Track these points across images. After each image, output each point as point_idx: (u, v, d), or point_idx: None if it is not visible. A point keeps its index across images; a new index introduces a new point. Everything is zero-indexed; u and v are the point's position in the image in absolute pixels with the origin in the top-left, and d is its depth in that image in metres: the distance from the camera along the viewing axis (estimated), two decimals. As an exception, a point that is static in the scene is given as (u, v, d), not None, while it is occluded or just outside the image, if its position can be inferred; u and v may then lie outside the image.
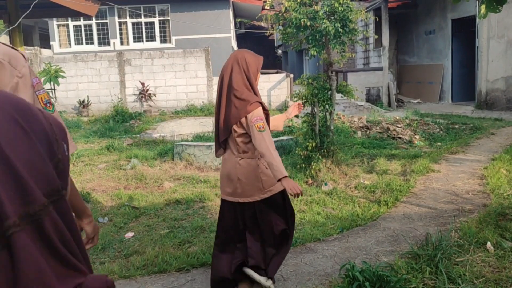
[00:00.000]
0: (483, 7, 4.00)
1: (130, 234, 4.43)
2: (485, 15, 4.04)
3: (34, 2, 4.81)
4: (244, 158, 2.92)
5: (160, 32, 17.40)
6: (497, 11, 3.97)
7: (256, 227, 3.01)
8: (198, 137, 9.12)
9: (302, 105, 3.45)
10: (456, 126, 9.94)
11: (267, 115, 2.94)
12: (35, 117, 0.72)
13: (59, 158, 0.73)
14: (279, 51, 32.41)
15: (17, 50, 1.49)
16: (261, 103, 2.87)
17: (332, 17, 6.01)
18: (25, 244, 0.64)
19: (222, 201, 3.06)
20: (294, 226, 3.18)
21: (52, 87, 13.95)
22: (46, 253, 0.67)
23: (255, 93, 2.91)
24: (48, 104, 1.50)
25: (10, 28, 5.31)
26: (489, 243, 3.67)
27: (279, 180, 2.71)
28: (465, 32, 14.17)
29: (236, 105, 2.84)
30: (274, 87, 15.05)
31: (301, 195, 2.75)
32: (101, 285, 0.75)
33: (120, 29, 17.49)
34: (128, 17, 17.34)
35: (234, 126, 2.87)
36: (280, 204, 3.02)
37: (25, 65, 1.47)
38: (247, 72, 2.89)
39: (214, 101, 14.71)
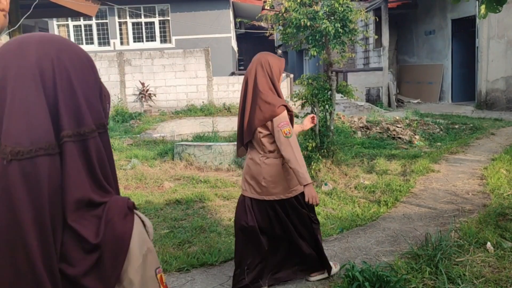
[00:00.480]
0: (483, 7, 4.01)
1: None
2: (485, 15, 4.04)
3: (35, 3, 4.81)
4: (270, 158, 2.99)
5: (160, 32, 17.41)
6: (497, 11, 3.97)
7: (279, 225, 3.08)
8: (198, 137, 9.12)
9: (316, 119, 3.49)
10: (456, 126, 9.95)
11: (292, 116, 3.01)
12: (96, 70, 0.93)
13: (106, 105, 0.94)
14: (279, 51, 32.41)
15: None
16: (286, 106, 2.93)
17: (332, 17, 6.01)
18: (73, 153, 0.81)
19: (244, 198, 3.12)
20: (318, 222, 3.29)
21: (52, 87, 13.95)
22: (85, 168, 0.83)
23: (279, 95, 2.98)
24: None
25: (11, 29, 5.31)
26: (489, 243, 3.67)
27: (303, 185, 2.85)
28: (465, 32, 14.17)
29: (261, 108, 2.90)
30: (274, 87, 15.04)
31: (316, 206, 2.95)
32: (123, 204, 0.87)
33: (120, 29, 17.50)
34: (128, 17, 17.34)
35: (259, 128, 2.93)
36: (303, 203, 3.07)
37: None
38: (270, 74, 2.96)
39: (214, 101, 14.76)
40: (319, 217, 4.70)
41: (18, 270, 0.77)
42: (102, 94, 0.92)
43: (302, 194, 2.99)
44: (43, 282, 0.77)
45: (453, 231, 4.00)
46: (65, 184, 0.80)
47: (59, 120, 0.82)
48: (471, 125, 9.92)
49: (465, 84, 14.34)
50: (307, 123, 3.39)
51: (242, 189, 3.15)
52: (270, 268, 3.15)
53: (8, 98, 0.79)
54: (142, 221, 0.91)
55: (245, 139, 3.03)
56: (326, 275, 3.31)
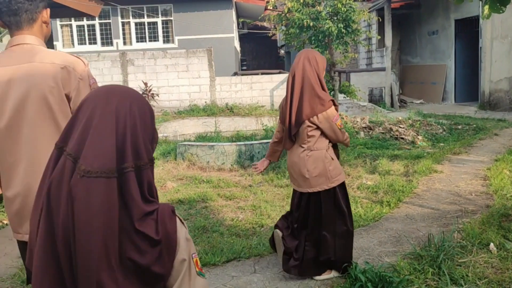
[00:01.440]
0: (486, 7, 3.99)
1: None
2: (489, 16, 4.03)
3: (38, 3, 4.83)
4: (313, 150, 3.12)
5: (163, 32, 17.43)
6: (501, 11, 3.96)
7: (320, 215, 3.19)
8: (201, 137, 9.13)
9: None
10: (459, 127, 9.92)
11: (337, 109, 3.18)
12: (153, 118, 1.18)
13: (154, 145, 1.18)
14: (282, 51, 32.42)
15: (78, 57, 1.94)
16: (333, 101, 3.10)
17: (335, 18, 6.03)
18: (132, 179, 1.06)
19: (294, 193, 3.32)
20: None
21: (55, 87, 13.99)
22: (139, 190, 1.08)
23: (324, 90, 3.12)
24: None
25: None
26: (492, 244, 3.66)
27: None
28: (468, 33, 14.13)
29: (310, 102, 3.04)
30: (276, 87, 15.04)
31: None
32: (168, 209, 1.15)
33: (123, 29, 17.53)
34: (131, 17, 17.37)
35: (310, 120, 3.06)
36: (343, 193, 3.24)
37: (84, 69, 1.92)
38: (317, 70, 3.10)
39: (217, 101, 14.77)
40: (321, 218, 4.71)
41: (89, 259, 1.02)
42: (154, 138, 1.18)
43: (342, 184, 3.21)
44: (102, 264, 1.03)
45: (456, 232, 3.99)
46: (129, 202, 1.07)
47: (124, 154, 1.07)
48: (474, 125, 9.90)
49: (469, 85, 14.30)
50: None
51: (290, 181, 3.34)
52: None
53: (91, 130, 1.05)
54: (180, 219, 1.19)
55: (292, 131, 3.13)
56: (332, 275, 3.33)
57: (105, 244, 1.02)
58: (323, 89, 3.10)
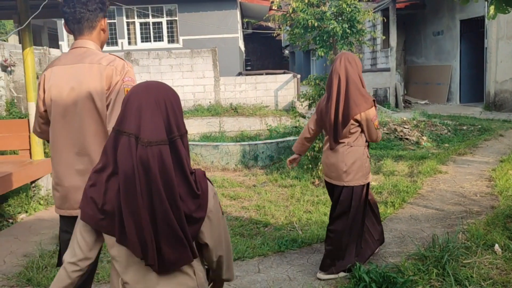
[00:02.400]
0: (492, 8, 3.98)
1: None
2: (494, 16, 4.02)
3: (44, 3, 4.84)
4: (354, 147, 3.30)
5: (168, 32, 17.47)
6: (506, 12, 3.95)
7: (348, 209, 3.33)
8: (205, 137, 9.15)
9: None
10: (464, 127, 9.89)
11: (376, 108, 3.36)
12: (178, 97, 1.55)
13: (182, 122, 1.53)
14: (286, 52, 32.40)
15: (122, 59, 2.25)
16: (374, 101, 3.31)
17: (340, 18, 6.01)
18: (179, 144, 1.46)
19: (327, 183, 3.47)
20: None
21: (61, 87, 14.04)
22: (186, 152, 1.49)
23: (364, 89, 3.32)
24: None
25: (20, 28, 5.36)
26: (497, 245, 3.65)
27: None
28: (473, 33, 14.07)
29: (356, 101, 3.21)
30: (281, 87, 15.05)
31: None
32: (202, 172, 1.55)
33: (128, 29, 17.58)
34: (136, 17, 17.42)
35: (355, 118, 3.23)
36: (367, 192, 3.41)
37: (125, 69, 2.21)
38: (358, 71, 3.30)
39: (221, 101, 14.78)
40: (325, 218, 4.71)
41: (154, 208, 1.41)
42: (183, 115, 1.55)
43: (368, 184, 3.38)
44: (169, 214, 1.41)
45: (461, 232, 3.98)
46: (183, 161, 1.46)
47: (170, 128, 1.45)
48: (479, 126, 9.86)
49: (474, 85, 14.23)
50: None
51: (324, 175, 3.51)
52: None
53: (143, 115, 1.43)
54: (209, 180, 1.57)
55: (339, 130, 3.26)
56: (336, 275, 3.35)
57: (168, 189, 1.42)
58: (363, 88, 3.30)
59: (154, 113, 1.44)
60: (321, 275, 3.36)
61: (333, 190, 3.44)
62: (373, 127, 3.29)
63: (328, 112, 3.32)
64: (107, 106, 2.17)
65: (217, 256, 1.59)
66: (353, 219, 3.33)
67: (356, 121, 3.25)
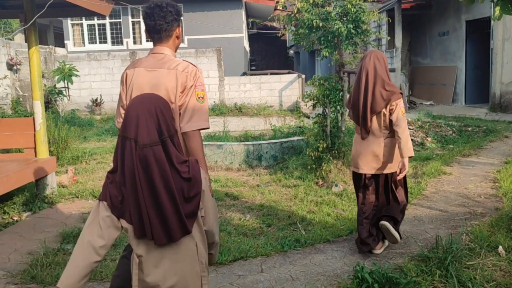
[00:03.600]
0: (497, 8, 3.96)
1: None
2: (500, 17, 4.00)
3: (49, 2, 4.87)
4: (388, 138, 3.63)
5: (173, 31, 17.49)
6: (512, 13, 3.93)
7: (387, 193, 3.74)
8: (209, 137, 9.16)
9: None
10: (469, 129, 9.84)
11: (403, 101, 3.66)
12: (167, 103, 1.87)
13: (173, 124, 1.84)
14: (291, 52, 32.37)
15: (195, 66, 2.64)
16: (401, 93, 3.60)
17: (345, 18, 6.00)
18: (169, 143, 1.77)
19: (361, 176, 3.74)
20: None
21: (66, 86, 14.10)
22: (176, 149, 1.79)
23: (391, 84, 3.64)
24: (199, 98, 2.60)
25: (25, 26, 5.39)
26: (500, 247, 3.64)
27: (404, 157, 3.54)
28: (479, 34, 14.00)
29: (382, 94, 3.55)
30: (285, 87, 15.04)
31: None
32: (194, 160, 1.87)
33: (133, 29, 17.63)
34: (141, 17, 17.45)
35: (384, 110, 3.55)
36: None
37: (197, 75, 2.61)
38: (386, 68, 3.64)
39: (225, 101, 14.80)
40: (328, 218, 4.72)
41: (155, 195, 1.74)
42: (173, 118, 1.86)
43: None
44: (165, 199, 1.74)
45: (464, 234, 3.97)
46: (172, 156, 1.77)
47: (161, 131, 1.76)
48: (485, 127, 9.81)
49: (479, 86, 14.16)
50: None
51: (354, 167, 3.80)
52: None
53: (140, 123, 1.74)
54: (200, 167, 1.89)
55: (369, 120, 3.60)
56: (387, 244, 3.83)
57: (162, 179, 1.73)
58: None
59: (148, 120, 1.74)
60: (375, 250, 3.75)
61: (361, 179, 3.74)
62: (399, 114, 3.56)
63: (358, 105, 3.65)
64: (180, 106, 2.56)
65: (207, 228, 1.94)
66: (400, 199, 3.76)
67: (387, 113, 3.56)
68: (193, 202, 1.81)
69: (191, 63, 2.64)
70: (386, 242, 3.85)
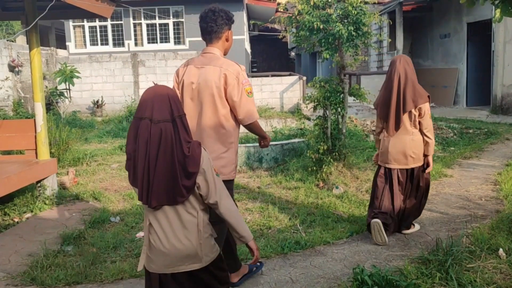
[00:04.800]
0: (498, 11, 3.96)
1: (141, 234, 4.47)
2: (500, 19, 4.00)
3: (51, 4, 4.88)
4: (416, 135, 3.99)
5: (174, 33, 17.53)
6: (512, 15, 3.92)
7: (413, 186, 4.12)
8: (210, 139, 9.16)
9: None
10: (470, 131, 9.84)
11: (429, 103, 4.04)
12: (175, 93, 2.21)
13: (181, 107, 2.17)
14: (293, 54, 32.39)
15: (238, 64, 3.01)
16: (429, 96, 3.98)
17: (345, 20, 6.00)
18: (180, 122, 2.10)
19: (390, 170, 4.09)
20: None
21: (67, 87, 14.12)
22: (185, 128, 2.14)
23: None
24: (249, 93, 3.01)
25: (27, 29, 5.40)
26: (501, 249, 3.63)
27: (427, 155, 4.06)
28: (480, 36, 13.99)
29: (412, 97, 3.91)
30: (286, 89, 15.05)
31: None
32: (197, 142, 2.15)
33: (135, 31, 17.66)
34: (142, 19, 17.49)
35: (413, 110, 3.91)
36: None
37: (240, 73, 2.97)
38: (413, 71, 4.01)
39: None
40: (329, 220, 4.71)
41: (148, 164, 2.06)
42: (180, 102, 2.21)
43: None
44: (169, 164, 2.05)
45: (465, 236, 3.96)
46: (180, 132, 2.08)
47: (172, 111, 2.08)
48: (486, 130, 9.80)
49: (481, 88, 14.15)
50: None
51: (383, 163, 4.14)
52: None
53: (155, 106, 2.06)
54: (204, 149, 2.18)
55: (401, 119, 3.94)
56: (417, 227, 4.30)
57: (165, 151, 2.04)
58: None
59: (161, 103, 2.08)
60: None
61: (390, 173, 4.08)
62: (428, 118, 3.95)
63: (389, 105, 3.98)
64: (233, 102, 2.97)
65: (213, 201, 2.17)
66: (422, 193, 4.17)
67: (416, 113, 3.92)
68: (191, 178, 2.08)
69: (236, 62, 3.01)
70: (417, 226, 4.34)
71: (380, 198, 4.10)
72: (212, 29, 2.99)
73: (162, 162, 2.04)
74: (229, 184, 3.01)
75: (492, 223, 4.28)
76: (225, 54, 3.12)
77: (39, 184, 5.52)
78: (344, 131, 6.29)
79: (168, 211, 2.10)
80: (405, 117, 3.96)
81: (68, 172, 6.54)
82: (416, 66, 18.05)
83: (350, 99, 6.72)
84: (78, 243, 4.28)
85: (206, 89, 2.96)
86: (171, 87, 2.64)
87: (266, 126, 9.86)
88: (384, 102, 4.06)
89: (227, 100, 2.98)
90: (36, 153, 5.63)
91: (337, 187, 5.76)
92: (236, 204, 2.59)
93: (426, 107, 3.93)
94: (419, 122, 3.97)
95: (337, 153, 6.12)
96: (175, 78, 3.16)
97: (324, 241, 4.12)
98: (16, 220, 4.97)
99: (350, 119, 10.47)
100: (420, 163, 4.07)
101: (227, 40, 3.09)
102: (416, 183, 4.11)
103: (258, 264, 3.48)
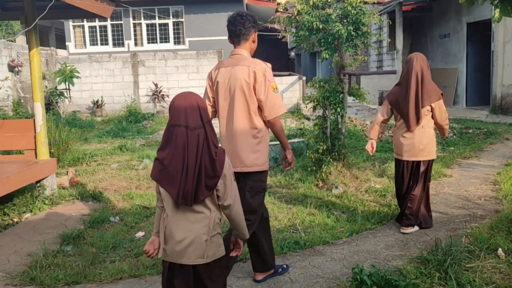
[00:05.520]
0: (497, 11, 3.96)
1: (140, 234, 4.47)
2: (499, 19, 4.00)
3: (50, 4, 4.88)
4: (428, 129, 4.25)
5: (174, 33, 17.53)
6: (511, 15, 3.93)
7: (425, 178, 4.34)
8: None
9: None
10: (470, 131, 9.84)
11: (443, 99, 4.32)
12: (202, 100, 2.37)
13: (208, 114, 2.36)
14: (292, 54, 32.38)
15: (265, 63, 3.21)
16: (442, 94, 4.26)
17: (345, 20, 6.00)
18: (207, 127, 2.29)
19: (405, 162, 4.32)
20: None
21: (67, 87, 14.12)
22: (213, 133, 2.32)
23: None
24: (274, 89, 3.17)
25: (27, 29, 5.40)
26: (500, 249, 3.63)
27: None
28: (480, 36, 14.00)
29: (428, 94, 4.16)
30: (286, 89, 15.05)
31: None
32: (222, 149, 2.35)
33: (135, 31, 17.66)
34: (142, 19, 17.49)
35: (427, 106, 4.15)
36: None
37: (266, 70, 3.17)
38: (428, 69, 4.23)
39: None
40: (328, 220, 4.71)
41: (186, 166, 2.22)
42: (206, 110, 2.35)
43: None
44: (198, 164, 2.23)
45: (464, 236, 3.97)
46: (209, 136, 2.26)
47: (201, 117, 2.26)
48: (485, 129, 9.80)
49: (480, 88, 14.15)
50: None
51: (397, 155, 4.38)
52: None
53: (188, 113, 2.26)
54: (227, 156, 2.38)
55: (419, 114, 4.16)
56: (417, 228, 4.33)
57: (197, 155, 2.23)
58: None
59: (194, 111, 2.27)
60: (405, 230, 4.27)
61: (403, 165, 4.32)
62: (443, 113, 4.23)
63: (407, 101, 4.17)
64: (259, 99, 3.13)
65: (227, 203, 2.35)
66: (427, 185, 4.36)
67: (430, 108, 4.17)
68: (214, 180, 2.27)
69: (263, 61, 3.22)
70: (416, 227, 4.36)
71: (403, 187, 4.38)
72: (241, 31, 3.20)
73: (194, 164, 2.24)
74: (263, 175, 3.26)
75: (491, 223, 4.28)
76: (251, 54, 3.31)
77: (38, 184, 5.52)
78: (343, 131, 6.29)
79: (186, 207, 2.28)
80: (421, 112, 4.19)
81: (67, 172, 6.54)
82: (415, 66, 17.87)
83: (350, 99, 6.72)
84: (77, 243, 4.28)
85: (237, 88, 3.15)
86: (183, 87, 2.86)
87: (265, 126, 9.88)
88: (401, 99, 4.26)
89: (255, 96, 3.19)
90: (35, 153, 5.64)
91: (336, 187, 5.76)
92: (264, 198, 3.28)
93: (440, 103, 4.21)
94: (435, 117, 4.22)
95: (336, 153, 6.11)
96: (208, 81, 3.35)
97: (323, 241, 4.12)
98: (15, 220, 4.97)
99: (350, 119, 10.47)
100: (429, 157, 4.28)
101: (253, 41, 3.31)
102: (422, 175, 4.30)
103: (285, 266, 3.58)
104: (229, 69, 3.19)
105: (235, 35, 3.23)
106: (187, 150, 2.23)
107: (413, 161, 4.28)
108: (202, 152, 2.25)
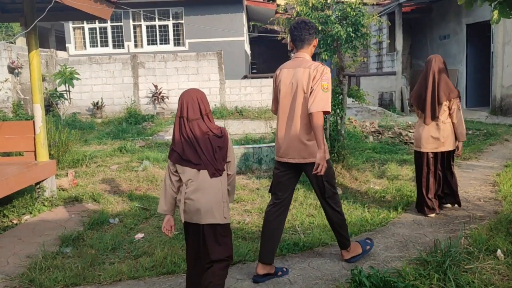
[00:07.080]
0: (495, 12, 3.97)
1: (140, 235, 4.47)
2: (498, 21, 4.01)
3: (50, 6, 4.89)
4: (445, 123, 4.68)
5: (174, 35, 17.54)
6: (510, 16, 3.94)
7: (449, 166, 4.87)
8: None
9: None
10: (470, 132, 9.84)
11: (459, 98, 4.75)
12: (204, 94, 2.98)
13: (208, 107, 2.94)
14: (292, 55, 32.36)
15: (323, 64, 3.42)
16: (458, 91, 4.70)
17: (344, 22, 6.02)
18: (206, 118, 2.88)
19: (426, 154, 4.76)
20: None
21: (67, 89, 14.13)
22: (211, 121, 2.94)
23: None
24: (324, 88, 3.32)
25: (26, 31, 5.41)
26: (499, 250, 3.63)
27: (460, 141, 4.78)
28: (480, 37, 14.02)
29: (444, 91, 4.61)
30: (286, 90, 15.02)
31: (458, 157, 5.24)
32: (225, 129, 2.93)
33: (135, 32, 17.68)
34: (142, 20, 17.51)
35: (444, 102, 4.61)
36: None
37: (323, 71, 3.36)
38: (446, 70, 4.68)
39: (226, 104, 14.83)
40: (327, 222, 4.71)
41: (204, 145, 2.83)
42: (208, 103, 2.94)
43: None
44: (209, 146, 2.83)
45: (463, 237, 3.96)
46: (210, 124, 2.87)
47: (201, 110, 2.86)
48: (485, 131, 9.80)
49: (480, 90, 14.17)
50: None
51: (417, 147, 4.85)
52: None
53: (189, 107, 2.83)
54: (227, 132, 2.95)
55: (436, 109, 4.62)
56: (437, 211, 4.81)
57: (205, 139, 2.80)
58: None
59: (193, 105, 2.80)
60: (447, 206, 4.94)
61: (422, 157, 4.76)
62: (456, 109, 4.64)
63: (426, 98, 4.65)
64: (309, 93, 3.34)
65: (231, 172, 2.95)
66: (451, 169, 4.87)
67: (447, 105, 4.61)
68: (223, 150, 2.84)
69: (322, 63, 3.46)
70: (437, 210, 4.83)
71: (427, 177, 4.80)
72: (305, 37, 3.50)
73: (205, 143, 2.79)
74: (329, 161, 3.53)
75: (490, 224, 4.28)
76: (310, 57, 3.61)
77: (38, 186, 5.53)
78: (343, 132, 6.29)
79: (205, 175, 2.77)
80: (439, 108, 4.61)
81: (67, 173, 6.54)
82: (416, 68, 18.14)
83: (349, 100, 6.72)
84: (76, 245, 4.28)
85: (298, 87, 3.41)
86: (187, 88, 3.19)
87: (266, 127, 9.85)
88: (420, 95, 4.75)
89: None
90: (35, 154, 5.64)
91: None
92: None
93: (456, 101, 4.63)
94: (451, 115, 4.65)
95: (336, 155, 6.12)
96: (273, 81, 3.67)
97: (322, 242, 4.12)
98: (14, 222, 4.98)
99: (349, 120, 10.47)
100: (450, 148, 4.73)
101: (314, 46, 3.62)
102: (449, 166, 4.82)
103: (284, 269, 3.62)
104: (292, 70, 3.47)
105: (300, 40, 3.51)
106: (193, 138, 2.78)
107: (436, 153, 4.74)
108: (209, 135, 2.79)
